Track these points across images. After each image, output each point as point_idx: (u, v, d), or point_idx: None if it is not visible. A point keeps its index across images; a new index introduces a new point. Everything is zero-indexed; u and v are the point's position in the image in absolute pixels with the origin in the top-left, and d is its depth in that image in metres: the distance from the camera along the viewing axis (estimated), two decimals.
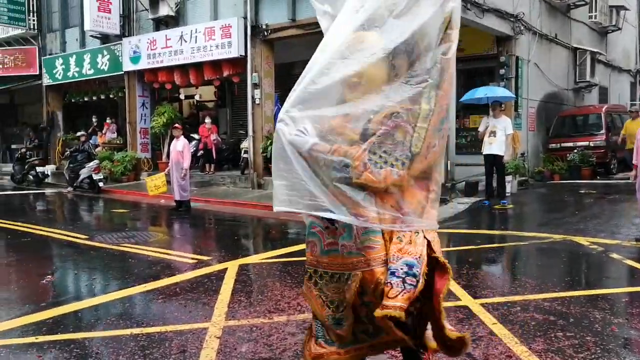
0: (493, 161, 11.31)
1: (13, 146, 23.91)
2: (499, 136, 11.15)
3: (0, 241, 8.98)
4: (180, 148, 11.61)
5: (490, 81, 15.24)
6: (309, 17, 13.37)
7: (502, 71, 14.94)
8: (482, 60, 15.87)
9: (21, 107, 25.50)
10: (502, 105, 12.39)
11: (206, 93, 20.12)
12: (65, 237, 8.77)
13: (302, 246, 6.89)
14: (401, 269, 2.62)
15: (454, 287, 5.38)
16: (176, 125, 12.48)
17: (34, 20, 21.15)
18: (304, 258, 3.11)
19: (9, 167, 21.21)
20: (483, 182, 12.05)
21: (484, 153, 11.44)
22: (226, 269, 6.43)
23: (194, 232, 10.10)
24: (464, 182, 12.92)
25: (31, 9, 21.03)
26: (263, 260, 6.99)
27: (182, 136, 11.90)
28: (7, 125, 25.59)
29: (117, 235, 8.89)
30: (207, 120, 17.04)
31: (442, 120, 2.73)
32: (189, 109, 21.10)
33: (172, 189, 11.91)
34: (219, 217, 11.43)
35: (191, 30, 15.76)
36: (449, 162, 12.50)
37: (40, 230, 9.45)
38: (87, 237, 8.80)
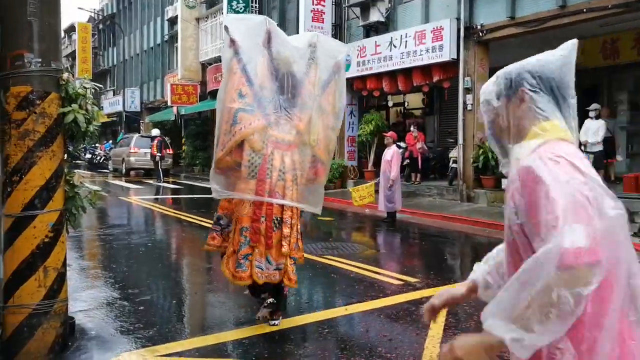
0: None
1: None
2: None
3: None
4: (388, 157, 11.18)
5: None
6: (530, 14, 12.06)
7: None
8: None
9: None
10: None
11: (413, 100, 19.57)
12: None
13: None
14: None
15: None
16: (388, 133, 12.05)
17: None
18: None
19: None
20: None
21: None
22: None
23: (399, 247, 9.52)
24: None
25: None
26: None
27: (394, 145, 11.47)
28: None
29: (322, 246, 8.65)
30: (413, 128, 16.46)
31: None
32: (395, 116, 20.75)
33: (379, 199, 11.52)
34: (425, 232, 10.71)
35: (401, 35, 15.31)
36: None
37: None
38: None
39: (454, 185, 14.63)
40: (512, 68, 1.71)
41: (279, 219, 4.44)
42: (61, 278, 4.07)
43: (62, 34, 57.04)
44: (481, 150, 13.53)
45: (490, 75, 12.41)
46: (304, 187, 4.60)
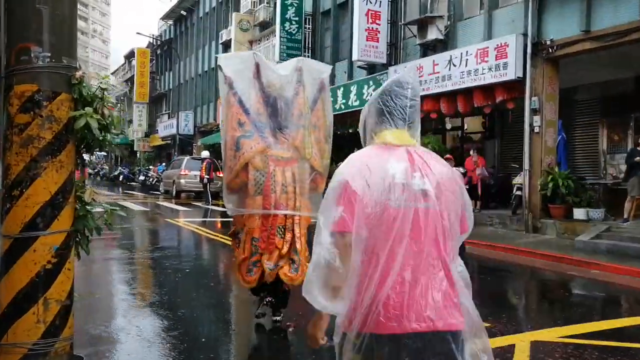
0: None
1: None
2: None
3: None
4: None
5: None
6: (608, 27, 11.02)
7: None
8: None
9: None
10: None
11: (472, 124, 18.54)
12: None
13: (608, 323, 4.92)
14: None
15: None
16: (447, 156, 11.17)
17: (308, 57, 22.15)
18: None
19: None
20: None
21: None
22: (513, 346, 4.73)
23: None
24: None
25: (307, 45, 22.09)
26: (562, 340, 5.07)
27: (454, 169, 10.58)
28: None
29: None
30: (473, 152, 15.46)
31: None
32: (452, 141, 19.75)
33: None
34: (488, 265, 9.70)
35: (461, 53, 14.44)
36: None
37: None
38: None
39: (518, 214, 13.50)
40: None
41: (282, 227, 4.92)
42: (65, 312, 3.42)
43: (122, 60, 58.51)
44: (550, 177, 12.41)
45: (560, 95, 11.21)
46: (306, 196, 5.10)
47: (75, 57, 3.60)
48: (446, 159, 10.62)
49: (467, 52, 14.24)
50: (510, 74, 12.99)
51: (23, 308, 3.25)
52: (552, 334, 5.22)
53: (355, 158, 2.10)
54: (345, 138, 21.12)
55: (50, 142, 3.36)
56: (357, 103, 18.63)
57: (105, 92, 3.71)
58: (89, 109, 3.50)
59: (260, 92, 4.85)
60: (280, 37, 21.45)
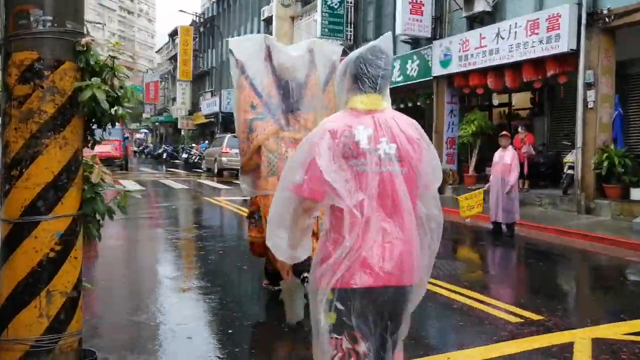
0: None
1: None
2: None
3: None
4: (508, 160, 9.79)
5: None
6: None
7: None
8: None
9: None
10: None
11: (520, 100, 17.65)
12: None
13: None
14: None
15: None
16: (504, 133, 10.53)
17: (350, 32, 21.54)
18: None
19: None
20: None
21: None
22: (572, 344, 4.23)
23: (511, 269, 8.03)
24: None
25: (349, 20, 21.44)
26: (628, 338, 4.51)
27: (510, 146, 10.04)
28: None
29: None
30: (521, 129, 14.67)
31: None
32: (499, 118, 18.89)
33: (490, 209, 10.06)
34: (539, 249, 9.11)
35: (510, 25, 13.62)
36: None
37: None
38: None
39: (569, 194, 12.76)
40: None
41: None
42: (71, 305, 3.10)
43: (167, 38, 58.77)
44: (605, 155, 11.62)
45: (617, 68, 10.35)
46: None
47: (82, 22, 3.24)
48: (502, 136, 10.11)
49: (516, 24, 13.44)
50: (563, 46, 12.17)
51: (24, 300, 2.95)
52: (615, 330, 4.66)
53: (326, 125, 2.21)
54: None
55: (53, 116, 3.02)
56: (400, 79, 18.00)
57: (115, 61, 3.36)
58: (96, 80, 3.14)
59: (272, 75, 4.85)
60: (322, 12, 20.85)
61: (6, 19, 3.05)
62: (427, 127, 18.24)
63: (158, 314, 4.97)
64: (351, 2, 21.38)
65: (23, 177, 2.98)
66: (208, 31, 45.24)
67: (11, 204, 2.99)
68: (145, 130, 67.89)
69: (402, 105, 19.14)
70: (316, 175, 2.10)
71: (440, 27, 16.64)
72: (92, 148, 3.41)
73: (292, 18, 26.53)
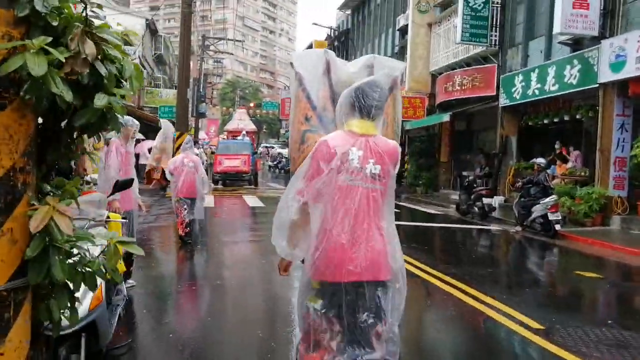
0: None
1: (464, 173, 22.63)
2: None
3: (412, 311, 6.47)
4: None
5: None
6: None
7: None
8: None
9: (477, 133, 24.11)
10: None
11: None
12: (506, 322, 5.61)
13: None
14: None
15: None
16: None
17: (495, 36, 19.22)
18: None
19: (457, 195, 19.77)
20: None
21: None
22: None
23: None
24: None
25: (494, 23, 19.16)
26: None
27: None
28: (463, 151, 24.60)
29: (595, 333, 5.24)
30: None
31: None
32: None
33: None
34: None
35: None
36: None
37: (471, 296, 6.55)
38: (541, 325, 5.45)
39: None
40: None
41: None
42: None
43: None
44: None
45: None
46: None
47: None
48: None
49: None
50: None
51: None
52: None
53: (328, 141, 2.85)
54: (539, 130, 17.86)
55: None
56: (555, 87, 15.41)
57: (96, 18, 1.89)
58: (40, 40, 1.67)
59: (329, 89, 4.76)
60: (464, 14, 18.75)
61: None
62: (587, 145, 15.43)
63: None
64: (497, 3, 19.08)
65: None
66: (342, 45, 44.59)
67: None
68: (280, 145, 68.89)
69: (555, 120, 16.46)
70: (314, 183, 2.75)
71: (611, 23, 13.85)
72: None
73: (430, 25, 24.62)
